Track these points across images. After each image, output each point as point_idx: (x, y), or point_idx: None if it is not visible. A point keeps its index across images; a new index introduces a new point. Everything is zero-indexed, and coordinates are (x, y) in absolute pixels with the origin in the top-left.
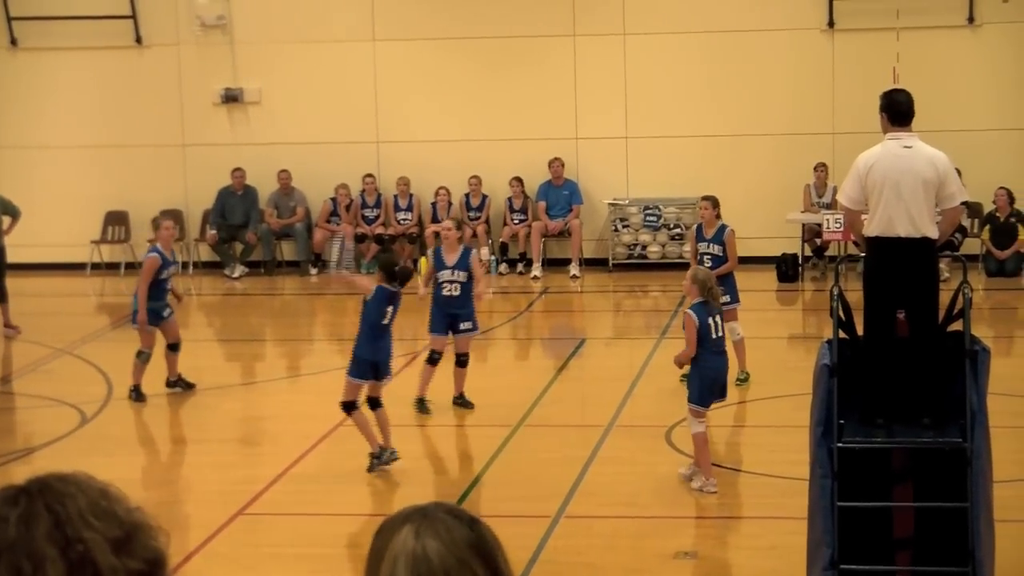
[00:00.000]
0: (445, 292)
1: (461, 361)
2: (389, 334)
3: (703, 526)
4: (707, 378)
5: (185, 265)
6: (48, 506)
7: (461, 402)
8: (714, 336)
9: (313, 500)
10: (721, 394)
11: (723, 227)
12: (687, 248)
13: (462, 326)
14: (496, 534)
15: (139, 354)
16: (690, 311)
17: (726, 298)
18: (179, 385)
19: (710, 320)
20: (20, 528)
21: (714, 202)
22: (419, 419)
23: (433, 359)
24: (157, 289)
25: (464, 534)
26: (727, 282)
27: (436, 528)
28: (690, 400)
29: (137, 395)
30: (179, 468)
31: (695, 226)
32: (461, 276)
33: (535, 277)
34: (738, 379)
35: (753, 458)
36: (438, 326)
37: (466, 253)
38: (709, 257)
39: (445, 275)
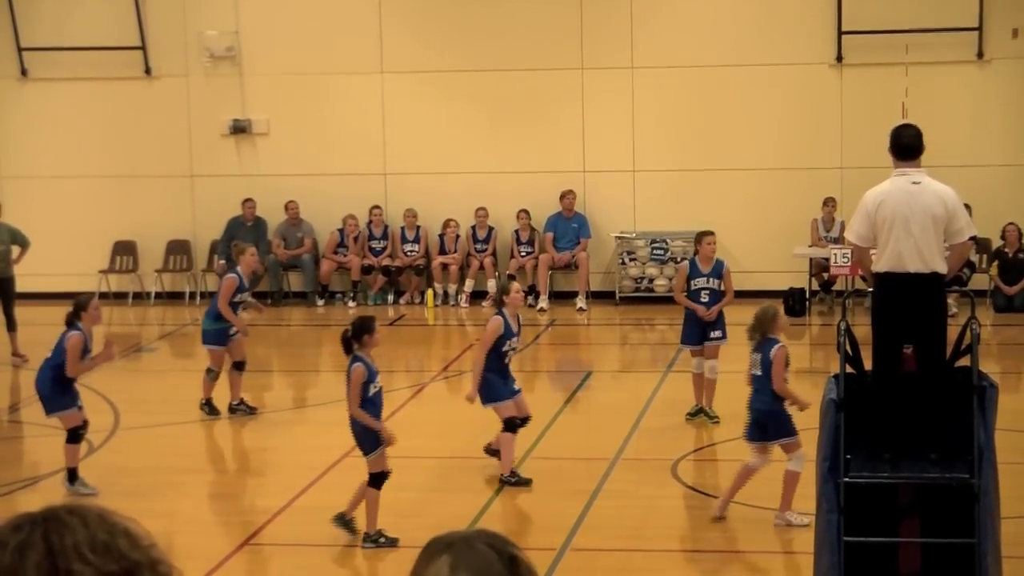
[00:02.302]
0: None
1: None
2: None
3: (708, 560)
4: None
5: (192, 295)
6: (45, 536)
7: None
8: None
9: (317, 532)
10: None
11: (720, 261)
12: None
13: (516, 386)
14: (536, 573)
15: (208, 371)
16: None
17: (717, 333)
18: (241, 408)
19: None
20: (15, 556)
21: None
22: (424, 451)
23: (516, 426)
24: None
25: (500, 571)
26: (721, 318)
27: (471, 564)
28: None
29: (210, 409)
30: (183, 498)
31: (687, 261)
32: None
33: (541, 309)
34: (708, 415)
35: (759, 492)
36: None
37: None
38: (707, 292)
39: (513, 342)
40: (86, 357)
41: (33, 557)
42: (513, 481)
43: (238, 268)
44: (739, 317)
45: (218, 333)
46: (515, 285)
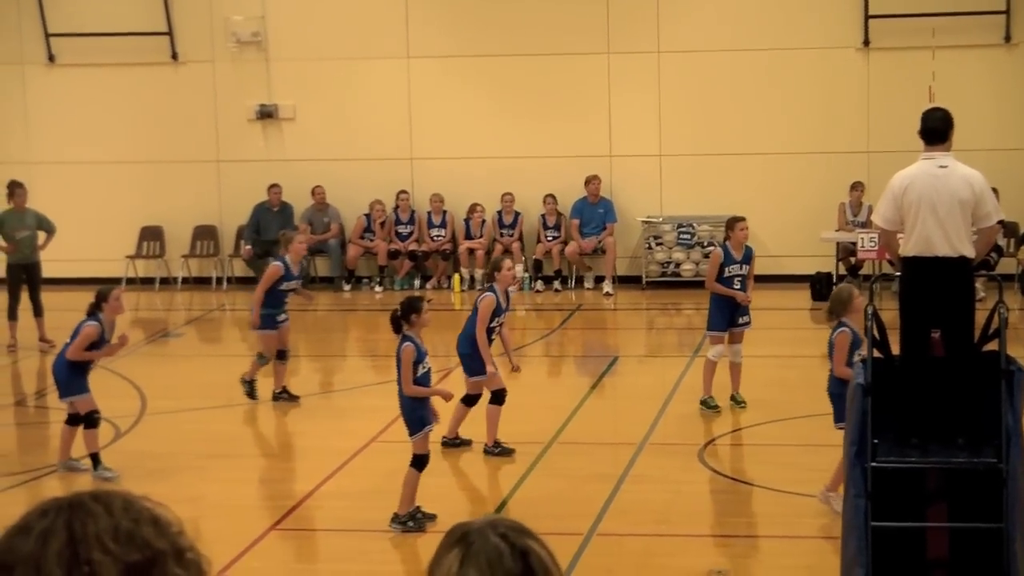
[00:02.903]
0: (494, 336)
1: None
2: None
3: (735, 545)
4: None
5: (219, 280)
6: (68, 523)
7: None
8: None
9: (345, 516)
10: None
11: (750, 247)
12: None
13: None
14: (551, 566)
15: (259, 356)
16: (841, 330)
17: (746, 318)
18: (284, 396)
19: None
20: (38, 542)
21: None
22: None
23: (503, 398)
24: (274, 297)
25: (508, 567)
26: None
27: (481, 558)
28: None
29: (250, 389)
30: (210, 483)
31: (720, 248)
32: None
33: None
34: (736, 400)
35: (786, 477)
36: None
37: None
38: (739, 279)
39: (501, 318)
40: (100, 347)
41: (55, 545)
42: (496, 451)
43: (285, 256)
44: (754, 302)
45: (266, 319)
46: (507, 262)
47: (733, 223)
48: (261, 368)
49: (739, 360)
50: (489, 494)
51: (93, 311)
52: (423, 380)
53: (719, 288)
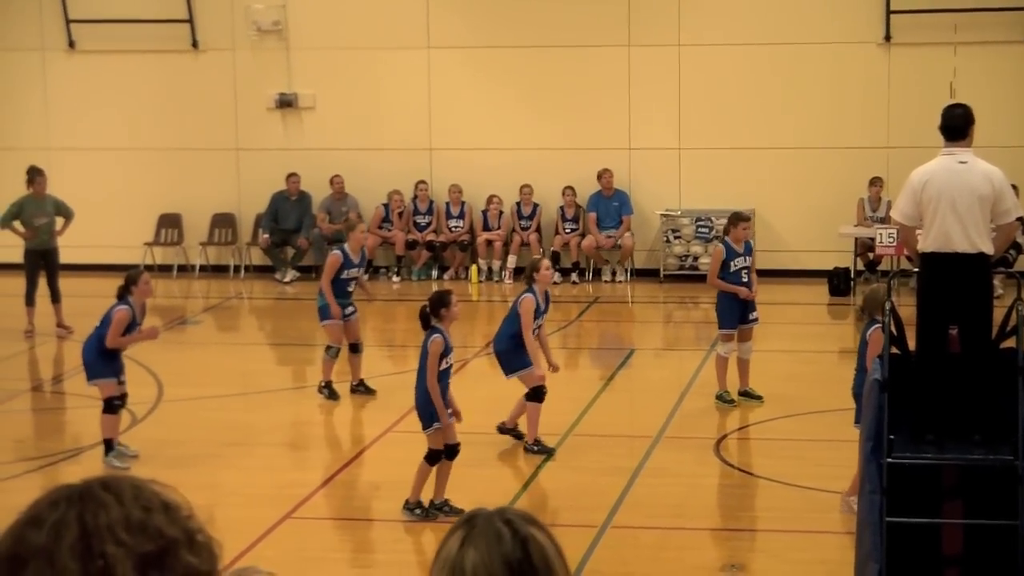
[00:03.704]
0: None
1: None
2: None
3: (750, 539)
4: None
5: (236, 269)
6: (79, 515)
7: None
8: None
9: (361, 505)
10: None
11: (748, 242)
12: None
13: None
14: (551, 556)
15: (327, 349)
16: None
17: (755, 314)
18: (360, 389)
19: None
20: (50, 535)
21: None
22: (467, 427)
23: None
24: (337, 287)
25: (507, 551)
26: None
27: (481, 540)
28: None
29: (329, 392)
30: (227, 471)
31: (720, 245)
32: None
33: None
34: (751, 395)
35: (802, 472)
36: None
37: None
38: (745, 271)
39: (540, 320)
40: (133, 331)
41: (68, 538)
42: (536, 450)
43: (345, 245)
44: (773, 296)
45: (328, 309)
46: (544, 262)
47: (736, 220)
48: (333, 363)
49: (748, 357)
50: (505, 485)
51: (123, 295)
52: (444, 376)
53: (722, 284)
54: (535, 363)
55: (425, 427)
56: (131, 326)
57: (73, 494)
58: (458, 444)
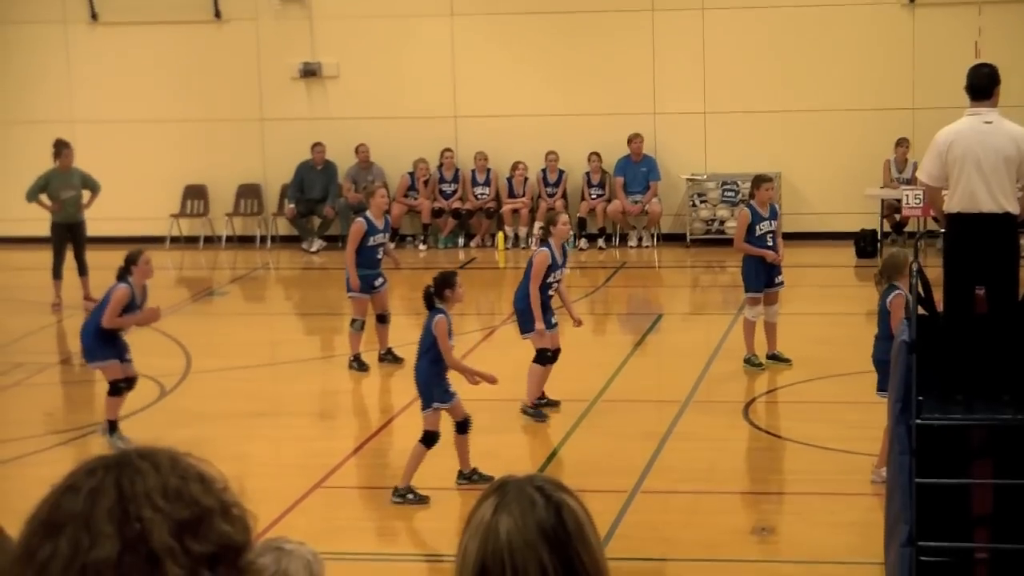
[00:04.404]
0: (551, 292)
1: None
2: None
3: (780, 502)
4: None
5: (263, 239)
6: (117, 482)
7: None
8: None
9: (390, 474)
10: None
11: (774, 205)
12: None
13: (554, 319)
14: (584, 521)
15: (352, 322)
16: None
17: (781, 278)
18: (388, 358)
19: None
20: (87, 501)
21: None
22: (496, 393)
23: (548, 358)
24: (365, 256)
25: (541, 517)
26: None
27: (514, 506)
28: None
29: (359, 365)
30: (257, 441)
31: (745, 208)
32: (563, 274)
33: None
34: (779, 358)
35: (831, 434)
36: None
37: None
38: (771, 235)
39: (557, 274)
40: (132, 312)
41: (104, 503)
42: (530, 412)
43: (367, 212)
44: (799, 259)
45: (361, 280)
46: (563, 217)
47: (759, 182)
48: (359, 336)
49: (775, 320)
50: (535, 451)
51: (123, 275)
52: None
53: (749, 248)
54: (537, 318)
55: (424, 407)
56: (130, 306)
57: (110, 462)
58: (468, 418)
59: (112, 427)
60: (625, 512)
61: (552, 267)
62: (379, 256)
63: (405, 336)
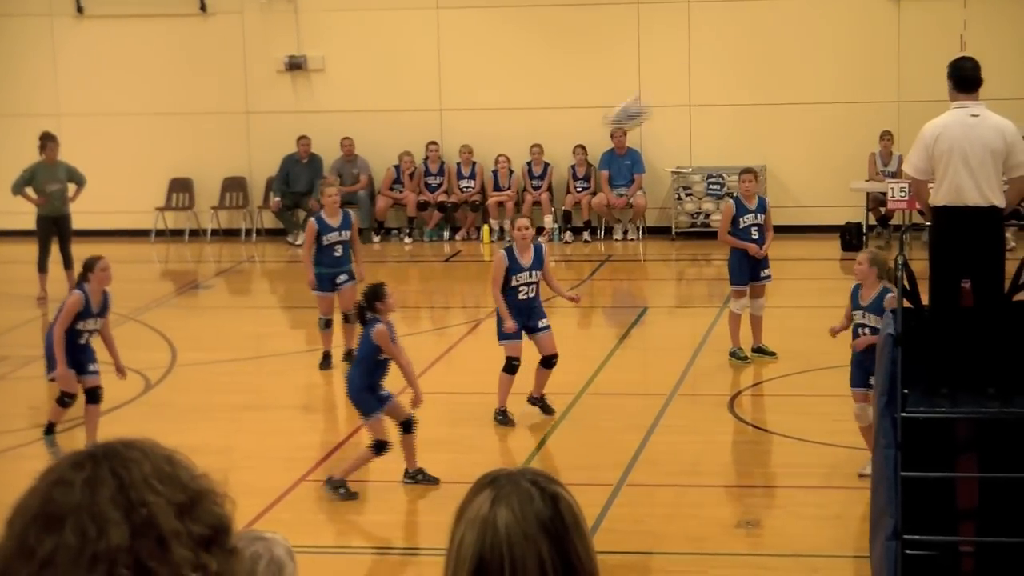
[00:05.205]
0: (522, 296)
1: (549, 362)
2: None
3: (765, 495)
4: None
5: (248, 232)
6: (113, 470)
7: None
8: None
9: (374, 467)
10: None
11: (763, 198)
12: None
13: (540, 324)
14: (578, 513)
15: (319, 320)
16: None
17: (767, 272)
18: (349, 359)
19: None
20: (85, 492)
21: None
22: (480, 387)
23: (513, 367)
24: (323, 255)
25: (538, 509)
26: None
27: (512, 499)
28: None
29: (325, 361)
30: (242, 434)
31: (730, 200)
32: (536, 276)
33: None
34: (765, 351)
35: (816, 427)
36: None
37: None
38: (756, 228)
39: (521, 277)
40: (87, 318)
41: (106, 492)
42: (500, 419)
43: (320, 212)
44: (784, 252)
45: (321, 279)
46: (520, 221)
47: (740, 175)
48: (329, 334)
49: (760, 313)
50: (519, 444)
51: (80, 281)
52: (382, 369)
53: (732, 240)
54: (505, 317)
55: (365, 417)
56: (85, 313)
57: (98, 453)
58: (411, 417)
59: (49, 428)
60: (610, 505)
61: (512, 270)
62: (337, 254)
63: (396, 328)
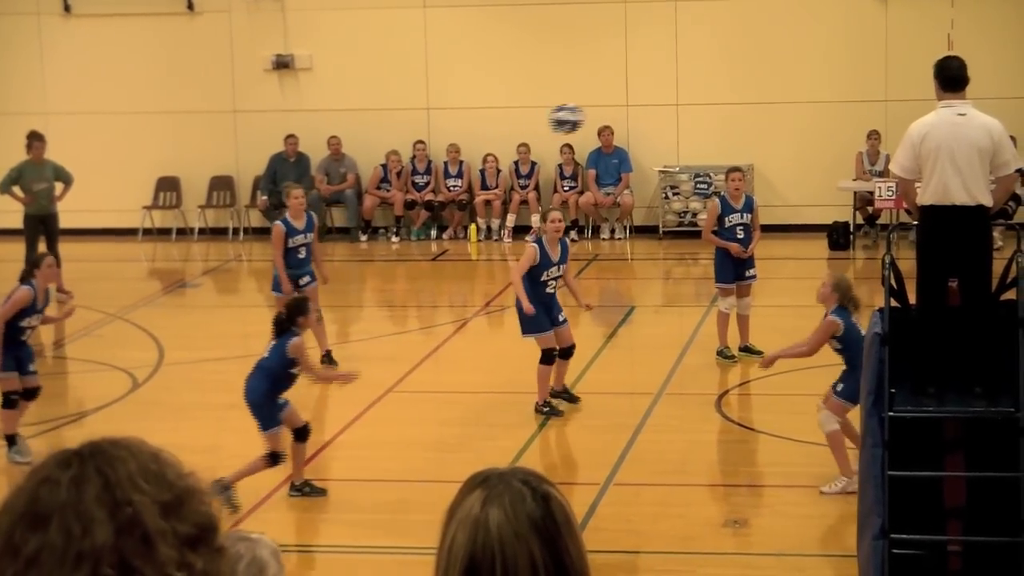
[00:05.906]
0: (548, 290)
1: (567, 353)
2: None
3: (752, 495)
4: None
5: (235, 231)
6: (98, 469)
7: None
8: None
9: (362, 467)
10: None
11: (751, 197)
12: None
13: (560, 317)
14: (570, 513)
15: None
16: (835, 316)
17: (752, 271)
18: (325, 361)
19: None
20: (71, 491)
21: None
22: (467, 386)
23: (551, 358)
24: (288, 257)
25: (530, 509)
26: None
27: (504, 499)
28: (842, 396)
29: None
30: (229, 433)
31: (717, 198)
32: (562, 270)
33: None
34: (752, 351)
35: (803, 427)
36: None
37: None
38: (741, 227)
39: (552, 271)
40: (32, 315)
41: (91, 491)
42: (546, 411)
43: (286, 215)
44: (772, 251)
45: (277, 281)
46: (552, 214)
47: (726, 174)
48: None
49: (747, 313)
50: (506, 444)
51: (26, 277)
52: (290, 381)
53: (714, 239)
54: (526, 308)
55: (266, 428)
56: (31, 309)
57: (83, 452)
58: (306, 425)
59: (11, 441)
60: (597, 505)
61: (543, 264)
62: (301, 256)
63: (378, 328)
